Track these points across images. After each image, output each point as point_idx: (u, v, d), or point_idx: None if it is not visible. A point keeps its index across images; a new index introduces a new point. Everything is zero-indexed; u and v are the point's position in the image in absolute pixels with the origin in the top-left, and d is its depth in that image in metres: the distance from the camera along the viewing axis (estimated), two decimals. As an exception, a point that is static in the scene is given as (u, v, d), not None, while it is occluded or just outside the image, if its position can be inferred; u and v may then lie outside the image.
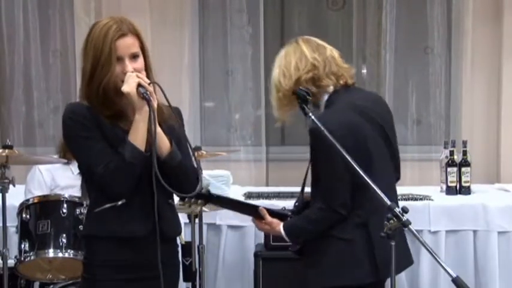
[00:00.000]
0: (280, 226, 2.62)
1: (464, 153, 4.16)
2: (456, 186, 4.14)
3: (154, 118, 2.17)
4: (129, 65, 2.21)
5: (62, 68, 4.75)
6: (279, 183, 4.55)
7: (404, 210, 2.08)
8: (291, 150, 4.76)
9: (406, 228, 2.10)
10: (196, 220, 3.49)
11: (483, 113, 4.57)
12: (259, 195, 4.18)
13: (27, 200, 3.42)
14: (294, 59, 2.66)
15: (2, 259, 3.20)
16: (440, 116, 4.63)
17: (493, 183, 4.45)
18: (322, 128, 2.32)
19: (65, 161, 3.62)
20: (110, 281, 2.27)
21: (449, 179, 4.13)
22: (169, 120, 2.30)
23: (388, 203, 2.13)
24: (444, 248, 3.81)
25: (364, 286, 2.49)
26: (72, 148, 2.32)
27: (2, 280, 3.18)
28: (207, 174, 3.77)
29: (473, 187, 4.16)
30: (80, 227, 3.18)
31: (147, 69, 2.26)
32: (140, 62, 2.24)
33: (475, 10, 4.44)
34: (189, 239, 3.54)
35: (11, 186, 3.18)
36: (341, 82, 2.62)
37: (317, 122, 2.34)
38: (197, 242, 3.52)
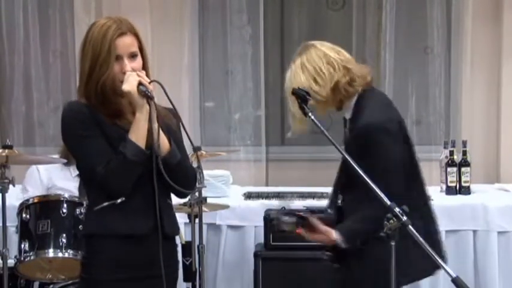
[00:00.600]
0: (334, 233, 2.55)
1: (464, 153, 4.17)
2: (456, 186, 4.14)
3: (157, 116, 2.18)
4: (128, 64, 2.22)
5: (62, 68, 4.75)
6: (278, 183, 4.56)
7: (404, 210, 2.08)
8: (291, 150, 4.76)
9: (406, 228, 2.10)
10: (196, 220, 3.49)
11: (483, 112, 4.57)
12: (259, 195, 4.19)
13: (27, 200, 3.42)
14: (323, 64, 2.59)
15: (1, 259, 3.18)
16: (440, 116, 4.63)
17: (493, 183, 4.45)
18: (322, 129, 2.32)
19: (65, 161, 3.61)
20: (110, 281, 2.26)
21: (449, 179, 4.14)
22: (166, 119, 2.30)
23: (388, 203, 2.13)
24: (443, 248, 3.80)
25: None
26: (71, 147, 2.31)
27: (2, 280, 3.17)
28: (206, 174, 3.77)
29: (473, 187, 4.16)
30: (80, 227, 3.18)
31: (145, 68, 2.27)
32: (138, 62, 2.25)
33: (475, 10, 4.44)
34: (189, 239, 3.54)
35: (10, 186, 3.17)
36: (367, 81, 2.63)
37: (317, 123, 2.33)
38: (197, 242, 3.52)
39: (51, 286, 3.41)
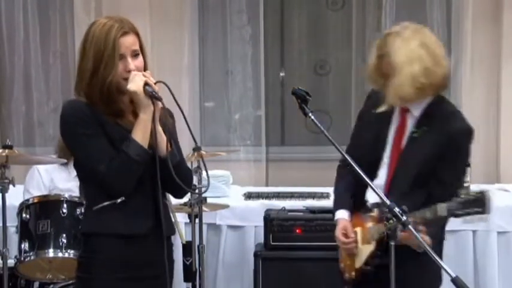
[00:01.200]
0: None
1: (464, 153, 4.16)
2: (456, 186, 4.14)
3: (164, 117, 2.20)
4: (132, 63, 2.22)
5: (62, 69, 4.75)
6: (278, 183, 4.56)
7: (404, 211, 2.09)
8: (291, 151, 4.77)
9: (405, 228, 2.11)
10: (197, 220, 3.50)
11: (483, 113, 4.57)
12: (259, 195, 4.19)
13: (27, 200, 3.43)
14: (439, 49, 2.54)
15: (2, 259, 3.18)
16: (439, 116, 4.63)
17: (493, 184, 4.45)
18: (322, 129, 2.32)
19: (65, 161, 3.61)
20: (108, 280, 2.25)
21: (448, 179, 4.13)
22: (164, 120, 2.29)
23: (388, 202, 2.13)
24: (444, 248, 3.80)
25: None
26: (72, 146, 2.30)
27: (2, 280, 3.16)
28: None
29: (473, 187, 4.15)
30: (79, 226, 3.18)
31: (145, 68, 2.26)
32: (141, 61, 2.25)
33: (475, 11, 4.44)
34: (189, 238, 3.55)
35: (10, 186, 3.17)
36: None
37: (317, 123, 2.33)
38: (197, 242, 3.52)
39: (51, 286, 3.41)
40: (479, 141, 4.53)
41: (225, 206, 3.85)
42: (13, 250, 3.37)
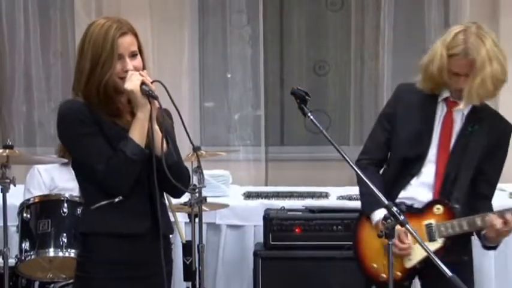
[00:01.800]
0: None
1: (462, 153, 4.18)
2: (454, 186, 4.15)
3: (162, 117, 2.20)
4: (130, 63, 2.22)
5: (63, 69, 4.75)
6: (278, 182, 4.57)
7: (402, 210, 2.11)
8: (290, 150, 4.78)
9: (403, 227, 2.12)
10: (196, 219, 3.51)
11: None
12: (259, 195, 4.20)
13: (28, 200, 3.44)
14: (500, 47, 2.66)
15: (2, 258, 3.19)
16: (438, 116, 4.64)
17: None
18: (321, 129, 2.34)
19: (65, 160, 3.62)
20: (106, 279, 2.25)
21: (447, 178, 4.14)
22: (162, 120, 2.30)
23: (386, 202, 2.15)
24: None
25: None
26: (70, 145, 2.30)
27: (3, 279, 3.17)
28: (206, 174, 3.78)
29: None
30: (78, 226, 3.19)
31: (143, 69, 2.27)
32: (139, 61, 2.26)
33: (472, 11, 4.45)
34: (189, 238, 3.56)
35: (11, 186, 3.18)
36: None
37: (316, 123, 2.35)
38: (197, 241, 3.53)
39: (52, 285, 3.41)
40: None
41: (225, 206, 3.87)
42: (14, 249, 3.38)
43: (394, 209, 2.11)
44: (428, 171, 2.65)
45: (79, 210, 3.31)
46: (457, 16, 4.53)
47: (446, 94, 2.67)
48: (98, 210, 2.25)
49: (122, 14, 4.32)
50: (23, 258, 3.30)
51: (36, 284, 3.52)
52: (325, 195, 4.19)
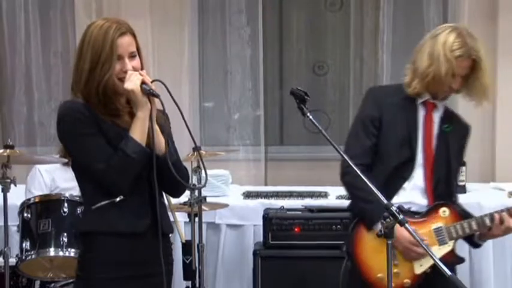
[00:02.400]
0: None
1: (461, 152, 4.19)
2: (452, 185, 4.17)
3: (160, 117, 2.21)
4: (129, 64, 2.23)
5: (63, 69, 4.76)
6: (277, 182, 4.58)
7: (401, 209, 2.12)
8: (290, 150, 4.79)
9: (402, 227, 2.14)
10: (196, 219, 3.52)
11: (478, 112, 4.55)
12: (258, 195, 4.21)
13: (29, 199, 3.44)
14: None
15: (3, 258, 3.19)
16: (436, 116, 4.66)
17: (488, 182, 4.48)
18: (320, 129, 2.35)
19: (66, 160, 3.62)
20: (107, 279, 2.26)
21: (445, 178, 4.16)
22: (161, 120, 2.32)
23: (385, 201, 2.16)
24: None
25: None
26: (70, 145, 2.30)
27: (4, 279, 3.17)
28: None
29: (468, 186, 4.19)
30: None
31: (142, 69, 2.28)
32: (138, 61, 2.27)
33: (471, 11, 4.47)
34: (189, 237, 3.57)
35: (12, 185, 3.19)
36: None
37: (315, 123, 2.36)
38: (197, 241, 3.54)
39: (53, 285, 3.42)
40: (475, 140, 4.54)
41: (225, 205, 3.88)
42: (14, 249, 3.39)
43: (394, 208, 2.13)
44: (419, 175, 2.67)
45: (79, 210, 3.32)
46: (455, 16, 4.54)
47: (426, 97, 2.70)
48: (98, 210, 2.25)
49: (122, 14, 4.34)
50: (23, 257, 3.30)
51: (37, 283, 3.52)
52: (324, 195, 4.20)
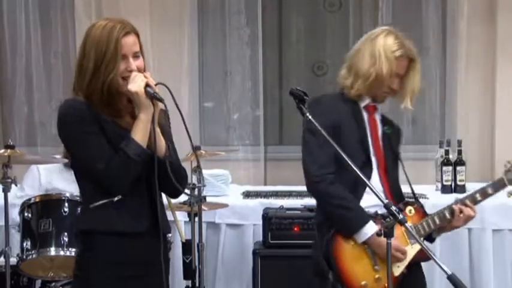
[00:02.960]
0: None
1: (459, 152, 4.21)
2: (451, 185, 4.18)
3: (161, 119, 2.21)
4: (133, 63, 2.23)
5: (64, 69, 4.76)
6: (277, 182, 4.59)
7: (401, 209, 2.13)
8: (289, 150, 4.79)
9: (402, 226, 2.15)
10: (196, 219, 3.53)
11: (478, 112, 4.60)
12: (258, 194, 4.22)
13: (29, 199, 3.45)
14: None
15: (4, 257, 3.21)
16: (435, 116, 4.67)
17: (488, 182, 4.48)
18: (319, 129, 2.36)
19: (66, 160, 3.62)
20: (106, 279, 2.26)
21: (444, 177, 4.18)
22: (162, 122, 2.32)
23: (385, 201, 2.17)
24: (439, 246, 3.84)
25: None
26: (70, 144, 2.30)
27: (5, 278, 3.19)
28: (206, 173, 3.81)
29: (468, 185, 4.19)
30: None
31: (144, 69, 2.28)
32: (141, 61, 2.26)
33: (470, 12, 4.48)
34: (188, 237, 3.58)
35: (13, 185, 3.21)
36: None
37: (314, 123, 2.38)
38: (197, 240, 3.56)
39: (53, 284, 3.44)
40: (474, 140, 4.58)
41: (224, 205, 3.89)
42: (15, 249, 3.40)
43: (393, 208, 2.14)
44: (375, 178, 2.71)
45: (79, 210, 3.33)
46: (454, 16, 4.56)
47: (367, 100, 2.76)
48: (97, 209, 2.25)
49: (122, 14, 4.34)
50: (24, 257, 3.32)
51: (38, 282, 3.54)
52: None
